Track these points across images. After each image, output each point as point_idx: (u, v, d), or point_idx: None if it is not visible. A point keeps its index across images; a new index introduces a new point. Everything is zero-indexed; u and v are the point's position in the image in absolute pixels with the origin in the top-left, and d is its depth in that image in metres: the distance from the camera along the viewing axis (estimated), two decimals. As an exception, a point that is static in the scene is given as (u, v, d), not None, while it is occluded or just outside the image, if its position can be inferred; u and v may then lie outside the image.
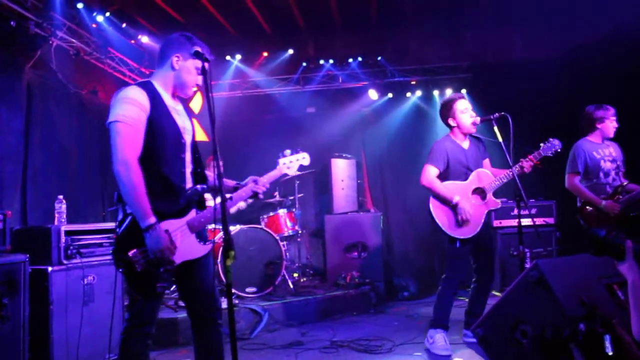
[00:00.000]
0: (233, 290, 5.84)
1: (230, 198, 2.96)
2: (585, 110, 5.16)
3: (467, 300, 4.82)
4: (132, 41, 7.56)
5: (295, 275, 7.31)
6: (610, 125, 5.02)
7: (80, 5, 6.29)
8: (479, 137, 4.76)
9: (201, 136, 8.85)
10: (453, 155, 4.55)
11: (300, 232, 7.19)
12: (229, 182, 3.13)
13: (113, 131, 2.59)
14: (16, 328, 3.61)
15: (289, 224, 6.97)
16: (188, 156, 2.87)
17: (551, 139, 4.55)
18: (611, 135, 5.07)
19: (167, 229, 2.67)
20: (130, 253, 2.60)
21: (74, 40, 6.48)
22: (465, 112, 4.56)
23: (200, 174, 2.94)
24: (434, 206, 4.47)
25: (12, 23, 5.38)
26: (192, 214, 2.80)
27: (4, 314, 3.56)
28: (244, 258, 6.02)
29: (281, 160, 3.25)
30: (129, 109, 2.61)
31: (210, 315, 2.93)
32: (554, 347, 1.44)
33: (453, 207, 4.41)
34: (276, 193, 7.35)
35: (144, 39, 7.50)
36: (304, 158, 3.34)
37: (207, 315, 2.93)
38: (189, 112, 3.04)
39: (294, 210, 7.22)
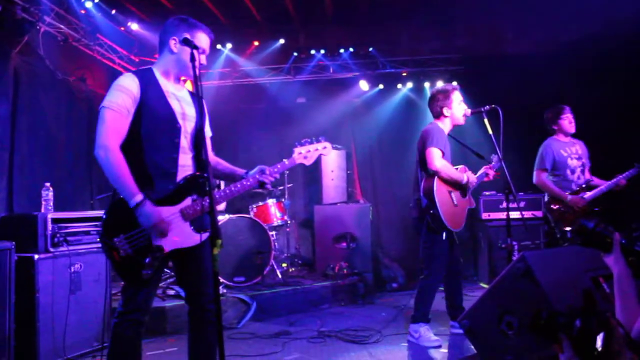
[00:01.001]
0: (221, 280, 5.83)
1: (218, 186, 2.93)
2: (543, 114, 5.39)
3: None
4: (122, 28, 7.48)
5: (284, 265, 7.31)
6: (566, 122, 5.22)
7: (68, -9, 6.23)
8: (451, 136, 4.76)
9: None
10: (446, 143, 4.56)
11: (289, 222, 7.19)
12: (239, 171, 3.07)
13: (99, 116, 2.64)
14: (2, 316, 3.58)
15: (278, 214, 6.97)
16: (185, 142, 2.82)
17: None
18: (571, 130, 5.25)
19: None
20: (115, 239, 2.60)
21: (62, 26, 6.40)
22: (460, 104, 4.59)
23: (204, 160, 2.81)
24: (438, 192, 4.35)
25: (-1, 7, 5.31)
26: (187, 201, 2.75)
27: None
28: (233, 247, 6.01)
29: (297, 150, 3.10)
30: (117, 95, 2.64)
31: (206, 305, 2.90)
32: (545, 331, 1.44)
33: (456, 196, 4.45)
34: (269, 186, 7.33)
35: (134, 26, 7.42)
36: (324, 148, 3.18)
37: (203, 306, 2.90)
38: (195, 100, 2.96)
39: (283, 200, 7.22)
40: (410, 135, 7.83)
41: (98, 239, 2.67)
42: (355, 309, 6.16)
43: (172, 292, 5.51)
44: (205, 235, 2.81)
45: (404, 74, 8.74)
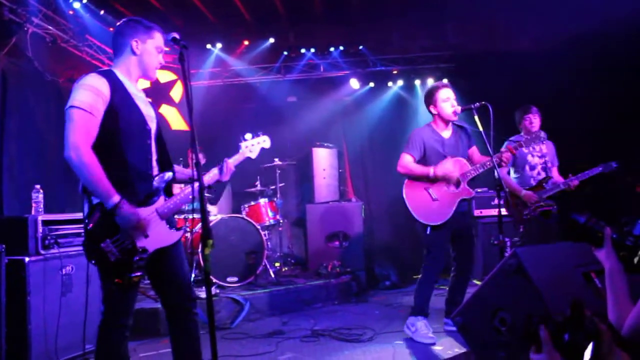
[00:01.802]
0: (214, 280, 5.82)
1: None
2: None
3: (447, 288, 4.86)
4: (111, 28, 7.42)
5: (277, 264, 7.30)
6: (526, 122, 5.37)
7: (56, -9, 6.19)
8: (463, 126, 4.78)
9: (181, 125, 8.79)
10: (430, 143, 4.58)
11: (281, 221, 7.18)
12: (186, 171, 3.13)
13: (67, 117, 2.57)
14: (-8, 319, 3.55)
15: (270, 213, 6.95)
16: (153, 143, 2.85)
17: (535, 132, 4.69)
18: (533, 131, 5.24)
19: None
20: (102, 244, 2.57)
21: (50, 27, 6.36)
22: (447, 100, 4.58)
23: (165, 161, 2.91)
24: (407, 192, 4.55)
25: (-14, 9, 5.28)
26: (161, 201, 2.78)
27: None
28: (225, 247, 5.99)
29: (243, 144, 3.23)
30: (86, 95, 2.58)
31: (185, 304, 2.90)
32: (538, 338, 1.44)
33: (434, 189, 4.46)
34: (257, 182, 7.33)
35: (123, 27, 7.38)
36: (264, 141, 3.34)
37: (182, 306, 2.90)
38: (152, 102, 3.04)
39: (275, 199, 7.20)
40: (401, 133, 7.85)
41: (82, 245, 2.60)
42: (349, 307, 6.15)
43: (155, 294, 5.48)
44: (179, 233, 2.85)
45: (395, 72, 8.76)
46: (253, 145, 3.28)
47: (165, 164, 2.91)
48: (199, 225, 6.25)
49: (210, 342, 2.28)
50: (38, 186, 4.36)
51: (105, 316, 2.70)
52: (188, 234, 6.23)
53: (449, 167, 4.48)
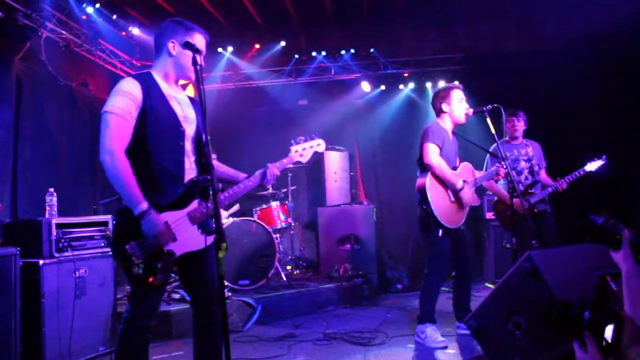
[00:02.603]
0: (226, 283, 5.83)
1: (222, 189, 2.93)
2: None
3: (451, 290, 4.84)
4: (123, 33, 7.49)
5: (288, 267, 7.30)
6: (508, 125, 5.36)
7: (70, -3, 6.24)
8: (455, 132, 4.75)
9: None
10: (446, 140, 4.55)
11: (293, 224, 7.19)
12: (240, 175, 3.09)
13: (102, 121, 2.62)
14: (7, 322, 3.59)
15: (281, 216, 6.96)
16: (188, 145, 2.83)
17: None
18: (515, 135, 5.38)
19: (167, 220, 2.65)
20: (127, 246, 2.58)
21: (63, 32, 6.41)
22: (461, 102, 4.58)
23: (205, 163, 2.74)
24: (430, 187, 4.37)
25: (0, 14, 5.32)
26: (194, 204, 2.76)
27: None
28: (237, 251, 6.01)
29: (293, 148, 3.14)
30: (120, 100, 2.62)
31: (211, 308, 2.90)
32: (558, 322, 1.44)
33: (454, 192, 4.42)
34: (269, 186, 7.33)
35: (135, 31, 7.44)
36: (318, 145, 3.24)
37: (208, 309, 2.91)
38: (195, 103, 2.98)
39: (286, 202, 7.21)
40: (412, 136, 7.78)
41: (109, 246, 2.62)
42: (360, 310, 6.15)
43: (177, 296, 5.51)
44: (211, 239, 2.81)
45: (406, 75, 8.74)
46: (304, 149, 3.18)
47: (205, 166, 2.80)
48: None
49: (224, 345, 2.28)
50: (52, 189, 4.40)
51: (129, 316, 2.72)
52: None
53: (468, 193, 4.47)
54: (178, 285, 6.10)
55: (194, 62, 2.52)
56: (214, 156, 4.68)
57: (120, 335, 2.72)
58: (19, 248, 3.72)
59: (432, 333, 4.46)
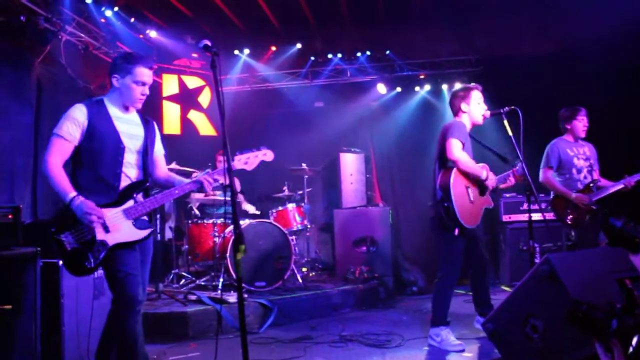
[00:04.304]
0: (242, 285, 5.84)
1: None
2: (559, 113, 5.40)
3: (468, 293, 4.82)
4: (141, 36, 7.56)
5: (304, 269, 7.31)
6: (579, 125, 5.25)
7: (89, 0, 6.30)
8: (472, 137, 4.74)
9: (209, 130, 8.88)
10: (467, 138, 4.53)
11: (309, 226, 7.20)
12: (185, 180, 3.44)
13: (49, 140, 3.12)
14: (28, 321, 3.63)
15: (297, 218, 6.97)
16: (131, 158, 3.25)
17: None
18: (581, 134, 5.29)
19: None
20: (62, 235, 2.98)
21: (82, 35, 6.50)
22: (480, 103, 4.56)
23: (147, 172, 3.34)
24: (455, 184, 4.30)
25: (22, 18, 5.41)
26: (130, 203, 3.16)
27: (16, 307, 3.59)
28: (253, 252, 6.02)
29: (237, 157, 3.44)
30: (65, 124, 3.11)
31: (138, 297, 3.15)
32: (582, 323, 1.43)
33: (474, 192, 4.42)
34: (285, 187, 7.36)
35: (152, 34, 7.51)
36: (264, 155, 3.54)
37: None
38: (146, 124, 3.42)
39: (302, 204, 7.22)
40: (428, 138, 7.78)
41: (49, 237, 3.05)
42: (376, 313, 6.14)
43: (193, 297, 5.54)
44: (146, 232, 3.20)
45: (422, 77, 8.72)
46: (249, 158, 3.48)
47: (147, 174, 3.35)
48: (228, 229, 6.30)
49: (242, 346, 2.30)
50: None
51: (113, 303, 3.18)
52: (217, 239, 6.28)
53: (493, 178, 4.46)
54: (194, 286, 6.15)
55: (212, 65, 2.64)
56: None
57: (119, 325, 3.15)
58: (39, 248, 3.76)
59: (447, 336, 4.43)
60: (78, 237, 3.00)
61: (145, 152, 3.33)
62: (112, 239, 3.05)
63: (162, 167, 3.55)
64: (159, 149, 3.52)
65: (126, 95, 3.24)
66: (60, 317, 3.86)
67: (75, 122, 3.12)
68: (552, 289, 2.53)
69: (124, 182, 3.20)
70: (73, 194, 2.98)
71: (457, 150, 4.30)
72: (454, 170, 4.35)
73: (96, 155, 3.14)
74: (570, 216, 5.05)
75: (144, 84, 3.23)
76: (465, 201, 4.37)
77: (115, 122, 3.22)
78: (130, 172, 3.24)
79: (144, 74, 3.23)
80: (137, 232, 3.16)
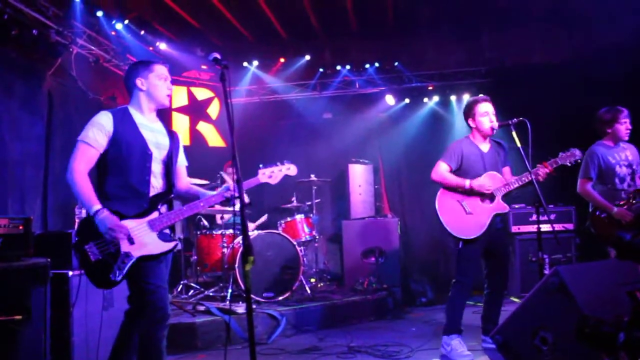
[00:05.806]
0: (251, 295, 5.84)
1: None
2: (597, 114, 5.05)
3: (480, 305, 4.79)
4: (150, 48, 7.62)
5: (313, 280, 7.30)
6: (622, 127, 4.86)
7: (99, 14, 6.37)
8: (501, 143, 4.73)
9: (218, 142, 8.92)
10: (468, 156, 4.53)
11: (317, 237, 7.20)
12: (209, 193, 3.37)
13: (75, 147, 3.09)
14: (38, 331, 3.66)
15: (306, 229, 6.98)
16: (157, 167, 3.21)
17: (572, 149, 4.48)
18: (624, 138, 4.92)
19: (127, 226, 3.00)
20: (86, 246, 2.96)
21: (93, 48, 6.57)
22: (485, 115, 4.53)
23: (171, 182, 3.30)
24: (440, 203, 4.47)
25: (34, 31, 5.48)
26: (155, 214, 3.13)
27: (26, 317, 3.62)
28: (262, 263, 6.03)
29: (260, 171, 3.42)
30: (90, 130, 3.08)
31: (166, 310, 3.13)
32: (590, 339, 1.42)
33: (469, 201, 4.41)
34: (293, 198, 7.38)
35: (162, 46, 7.58)
36: (288, 169, 3.48)
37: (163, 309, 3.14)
38: (171, 134, 3.42)
39: (311, 215, 7.23)
40: (437, 149, 7.75)
41: (72, 249, 2.92)
42: (385, 324, 6.12)
43: (202, 308, 5.55)
44: (170, 244, 3.14)
45: (430, 88, 8.72)
46: (273, 172, 3.44)
47: (171, 184, 3.30)
48: (237, 240, 6.31)
49: (250, 357, 2.31)
50: (81, 202, 4.49)
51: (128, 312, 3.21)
52: (225, 250, 6.30)
53: (485, 181, 4.43)
54: (203, 297, 6.15)
55: (222, 77, 2.66)
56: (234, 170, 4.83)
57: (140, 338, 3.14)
58: (49, 259, 3.79)
59: (457, 346, 4.40)
60: (102, 248, 2.96)
61: (170, 162, 3.30)
62: (137, 252, 3.01)
63: (184, 179, 3.52)
64: (182, 160, 3.50)
65: (155, 94, 3.24)
66: (70, 328, 3.89)
67: (101, 128, 3.09)
68: (562, 301, 2.52)
69: (152, 191, 3.17)
70: (98, 206, 2.94)
71: (436, 172, 4.57)
72: (440, 188, 4.56)
73: (123, 162, 3.10)
74: (610, 232, 4.65)
75: (166, 78, 3.28)
76: (458, 215, 4.43)
77: (141, 130, 3.19)
78: (155, 181, 3.21)
79: (164, 69, 3.30)
80: (162, 245, 3.12)
